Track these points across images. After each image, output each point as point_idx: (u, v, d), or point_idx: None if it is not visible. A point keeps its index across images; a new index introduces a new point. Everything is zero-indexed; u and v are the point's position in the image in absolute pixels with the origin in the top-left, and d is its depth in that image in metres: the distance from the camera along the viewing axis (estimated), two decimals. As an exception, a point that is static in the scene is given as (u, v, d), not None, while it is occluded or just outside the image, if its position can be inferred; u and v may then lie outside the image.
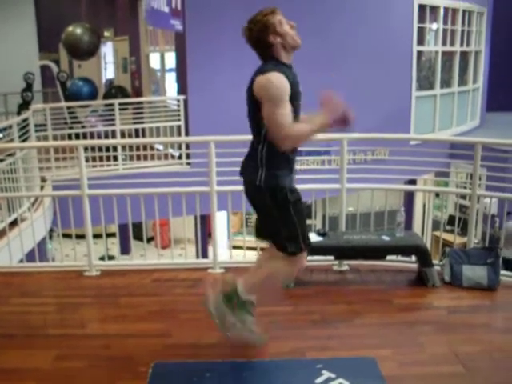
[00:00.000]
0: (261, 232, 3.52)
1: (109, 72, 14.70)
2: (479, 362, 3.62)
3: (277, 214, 3.29)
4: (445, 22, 12.81)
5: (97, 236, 5.67)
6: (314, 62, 8.90)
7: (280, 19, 3.17)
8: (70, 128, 9.58)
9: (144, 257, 5.65)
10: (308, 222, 3.55)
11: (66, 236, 5.75)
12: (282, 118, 3.06)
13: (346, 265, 5.27)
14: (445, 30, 12.89)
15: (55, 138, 9.31)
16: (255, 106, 3.16)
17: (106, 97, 11.29)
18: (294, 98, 3.16)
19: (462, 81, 13.88)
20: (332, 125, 3.15)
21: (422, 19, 12.09)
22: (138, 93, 12.41)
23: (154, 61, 12.27)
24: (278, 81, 3.07)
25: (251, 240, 6.85)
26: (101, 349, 3.80)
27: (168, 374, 3.48)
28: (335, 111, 3.13)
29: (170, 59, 11.16)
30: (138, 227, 5.62)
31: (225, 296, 3.50)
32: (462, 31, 13.43)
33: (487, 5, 14.63)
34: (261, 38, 3.15)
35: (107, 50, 14.39)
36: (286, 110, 3.08)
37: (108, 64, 14.70)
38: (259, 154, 3.25)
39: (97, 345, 3.85)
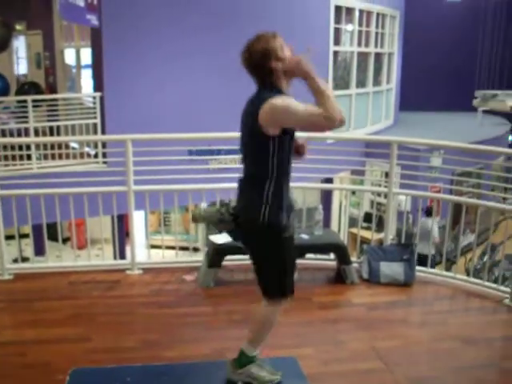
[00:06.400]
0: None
1: (21, 67, 14.20)
2: (398, 356, 3.72)
3: (270, 252, 3.18)
4: (360, 24, 13.13)
5: (9, 237, 5.47)
6: (231, 61, 8.88)
7: (281, 44, 2.98)
8: (-20, 125, 9.19)
9: (60, 258, 5.49)
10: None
11: (-23, 238, 5.50)
12: (311, 114, 2.79)
13: (266, 263, 5.28)
14: (360, 32, 13.21)
15: (-36, 135, 8.91)
16: (261, 139, 2.92)
17: (18, 93, 10.89)
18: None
19: (377, 81, 14.25)
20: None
21: (338, 20, 12.33)
22: (52, 89, 12.05)
23: (69, 56, 11.94)
24: (281, 99, 2.84)
25: (169, 239, 6.82)
26: (15, 357, 3.65)
27: (87, 381, 3.39)
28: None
29: (86, 55, 10.88)
30: (53, 228, 5.45)
31: (238, 363, 3.33)
32: (376, 33, 13.81)
33: (399, 9, 15.10)
34: (262, 64, 2.91)
35: (20, 45, 13.89)
36: (301, 107, 2.81)
37: (20, 59, 14.20)
38: (266, 191, 3.01)
39: (10, 352, 3.71)
